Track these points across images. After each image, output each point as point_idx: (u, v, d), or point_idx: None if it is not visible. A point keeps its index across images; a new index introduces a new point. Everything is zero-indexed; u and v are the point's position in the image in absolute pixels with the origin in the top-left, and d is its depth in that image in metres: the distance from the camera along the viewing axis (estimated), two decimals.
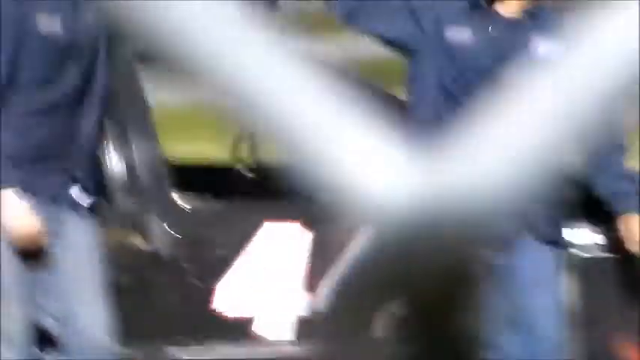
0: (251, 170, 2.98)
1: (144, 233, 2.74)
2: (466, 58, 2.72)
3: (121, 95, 2.86)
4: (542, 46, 2.73)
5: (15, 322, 2.45)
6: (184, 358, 2.74)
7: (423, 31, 2.59)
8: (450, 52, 2.69)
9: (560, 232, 2.80)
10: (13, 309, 2.46)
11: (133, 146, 2.78)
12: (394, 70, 3.34)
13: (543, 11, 2.81)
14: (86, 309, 2.54)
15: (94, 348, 2.52)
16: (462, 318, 0.40)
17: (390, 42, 2.75)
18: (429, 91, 2.74)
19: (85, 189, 2.59)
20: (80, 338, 2.51)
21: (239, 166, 3.15)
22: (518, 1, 2.77)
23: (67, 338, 2.52)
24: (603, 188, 2.81)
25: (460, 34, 2.70)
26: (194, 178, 2.71)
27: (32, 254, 2.54)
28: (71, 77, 2.59)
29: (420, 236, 0.37)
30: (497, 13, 2.75)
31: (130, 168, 2.79)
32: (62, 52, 2.58)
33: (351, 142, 0.37)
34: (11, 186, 2.48)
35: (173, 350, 2.75)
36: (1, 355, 2.37)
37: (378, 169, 0.37)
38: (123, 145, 2.83)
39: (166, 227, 2.74)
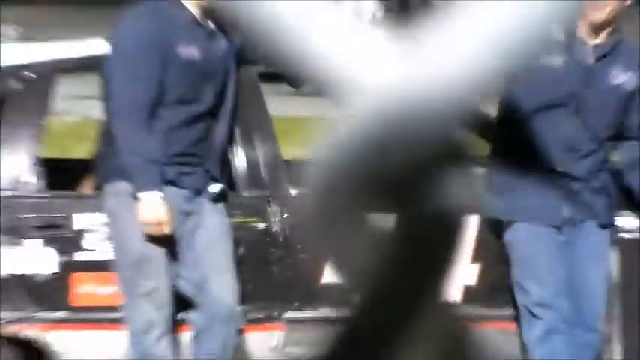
0: None
1: (263, 217, 3.26)
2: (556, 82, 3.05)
3: (247, 108, 3.33)
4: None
5: (161, 289, 3.05)
6: (299, 316, 3.24)
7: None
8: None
9: (614, 218, 3.12)
10: (161, 278, 3.06)
11: (257, 148, 3.35)
12: None
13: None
14: (219, 277, 3.08)
15: (225, 310, 3.07)
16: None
17: None
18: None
19: (219, 182, 3.16)
20: (213, 302, 3.05)
21: None
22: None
23: (202, 302, 3.06)
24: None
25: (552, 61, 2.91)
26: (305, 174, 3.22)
27: (166, 238, 3.07)
28: (207, 95, 3.11)
29: (396, 123, 0.35)
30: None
31: (254, 165, 3.33)
32: (200, 75, 3.12)
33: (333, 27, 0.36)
34: (158, 190, 2.99)
35: (289, 313, 3.25)
36: (149, 315, 3.02)
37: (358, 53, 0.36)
38: (248, 147, 3.35)
39: (282, 213, 3.25)
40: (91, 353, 3.13)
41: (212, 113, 3.13)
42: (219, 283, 3.07)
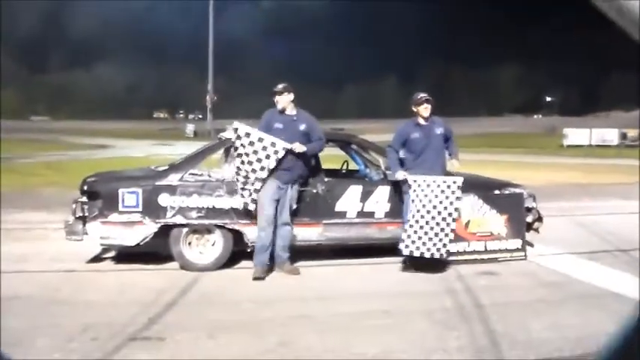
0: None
1: (317, 188, 7.51)
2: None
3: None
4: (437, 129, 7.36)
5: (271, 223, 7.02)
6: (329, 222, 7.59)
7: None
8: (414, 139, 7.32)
9: None
10: (270, 217, 7.00)
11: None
12: None
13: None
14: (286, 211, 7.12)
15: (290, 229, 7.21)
16: None
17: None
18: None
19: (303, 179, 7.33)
20: (285, 223, 7.14)
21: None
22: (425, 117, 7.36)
23: (284, 223, 7.15)
24: None
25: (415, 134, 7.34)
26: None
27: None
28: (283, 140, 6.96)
29: None
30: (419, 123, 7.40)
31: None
32: (279, 135, 6.95)
33: None
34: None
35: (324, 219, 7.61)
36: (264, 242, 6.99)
37: None
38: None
39: (322, 188, 7.51)
40: None
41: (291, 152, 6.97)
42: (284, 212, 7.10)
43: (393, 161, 7.36)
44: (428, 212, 6.97)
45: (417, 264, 7.11)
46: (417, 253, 7.01)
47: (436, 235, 6.97)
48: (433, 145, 7.28)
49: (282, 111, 7.07)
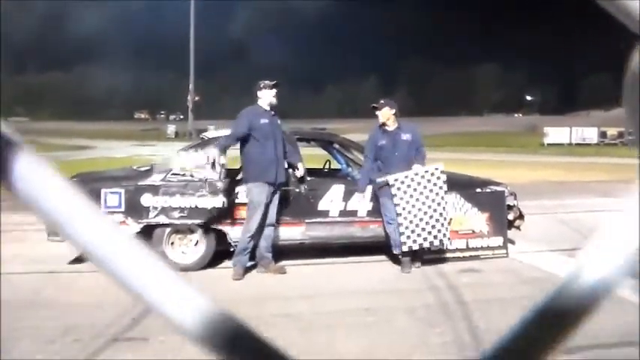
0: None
1: (299, 187, 7.45)
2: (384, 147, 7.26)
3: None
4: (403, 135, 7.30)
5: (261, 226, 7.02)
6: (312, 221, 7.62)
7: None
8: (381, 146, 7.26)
9: None
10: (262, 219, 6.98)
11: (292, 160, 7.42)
12: None
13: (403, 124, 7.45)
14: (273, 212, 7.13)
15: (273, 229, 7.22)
16: None
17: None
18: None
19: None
20: (271, 224, 7.14)
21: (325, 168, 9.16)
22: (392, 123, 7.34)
23: (269, 224, 7.14)
24: None
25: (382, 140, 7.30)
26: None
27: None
28: (271, 138, 6.96)
29: None
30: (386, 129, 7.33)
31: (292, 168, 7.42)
32: (268, 131, 6.95)
33: None
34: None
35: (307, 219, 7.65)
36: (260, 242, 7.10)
37: None
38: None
39: (304, 187, 7.47)
40: None
41: (274, 146, 6.98)
42: (272, 216, 7.12)
43: (364, 175, 7.35)
44: (414, 206, 6.97)
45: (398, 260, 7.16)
46: (415, 247, 7.04)
47: (433, 226, 7.01)
48: (399, 151, 7.24)
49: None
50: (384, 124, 7.24)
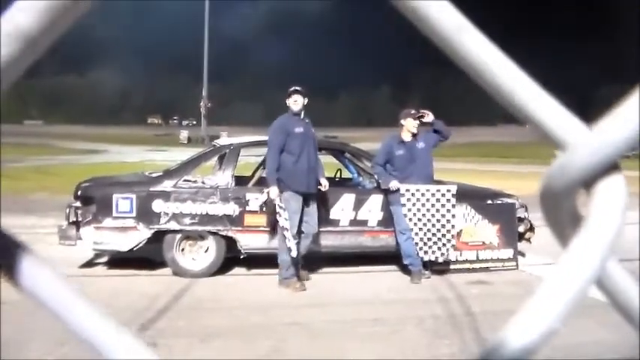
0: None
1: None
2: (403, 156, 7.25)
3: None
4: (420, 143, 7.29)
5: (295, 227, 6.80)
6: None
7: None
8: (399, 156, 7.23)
9: None
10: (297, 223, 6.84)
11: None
12: None
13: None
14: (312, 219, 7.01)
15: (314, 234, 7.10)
16: None
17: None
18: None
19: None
20: (311, 229, 7.01)
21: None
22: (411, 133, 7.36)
23: (308, 231, 7.02)
24: None
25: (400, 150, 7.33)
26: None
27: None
28: (306, 147, 6.86)
29: None
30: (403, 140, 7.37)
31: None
32: (302, 139, 6.84)
33: None
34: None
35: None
36: (288, 244, 6.69)
37: None
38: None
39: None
40: None
41: (309, 154, 6.90)
42: (314, 222, 7.04)
43: (383, 173, 7.34)
44: (420, 220, 7.10)
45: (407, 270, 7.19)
46: (425, 258, 7.23)
47: (435, 243, 7.15)
48: (418, 159, 7.30)
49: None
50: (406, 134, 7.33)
